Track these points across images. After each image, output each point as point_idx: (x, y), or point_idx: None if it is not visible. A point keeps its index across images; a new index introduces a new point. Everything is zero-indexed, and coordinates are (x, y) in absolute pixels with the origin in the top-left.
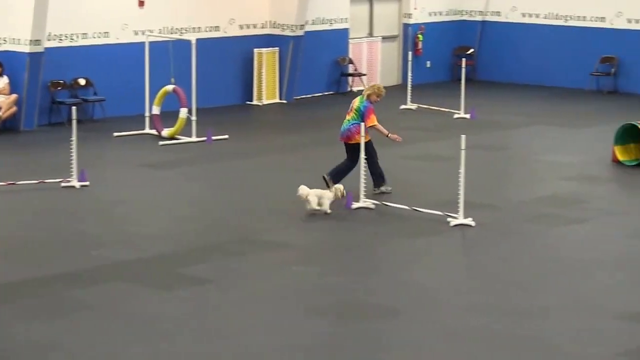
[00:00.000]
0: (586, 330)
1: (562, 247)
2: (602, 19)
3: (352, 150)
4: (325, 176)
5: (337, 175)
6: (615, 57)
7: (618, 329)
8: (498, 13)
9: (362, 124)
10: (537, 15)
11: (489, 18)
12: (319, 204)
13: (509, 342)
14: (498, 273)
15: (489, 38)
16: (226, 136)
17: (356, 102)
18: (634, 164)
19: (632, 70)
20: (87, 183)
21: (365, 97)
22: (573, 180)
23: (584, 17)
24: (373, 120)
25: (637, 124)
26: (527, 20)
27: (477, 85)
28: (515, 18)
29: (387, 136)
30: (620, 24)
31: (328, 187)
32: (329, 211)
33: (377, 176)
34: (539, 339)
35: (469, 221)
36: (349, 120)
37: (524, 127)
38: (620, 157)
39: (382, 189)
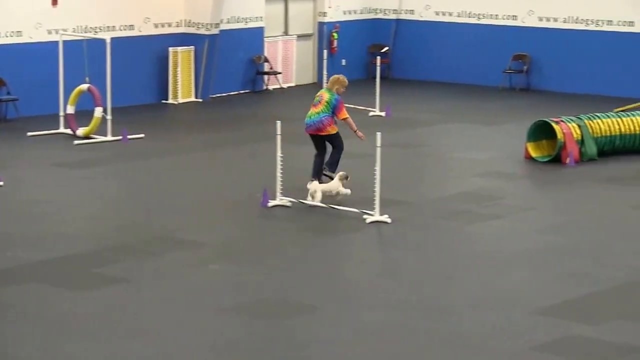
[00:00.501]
0: (501, 325)
1: (477, 243)
2: (514, 17)
3: (324, 141)
4: (325, 171)
5: (333, 165)
6: (527, 55)
7: (533, 323)
8: (412, 11)
9: (331, 116)
10: (451, 14)
11: (403, 16)
12: (336, 193)
13: (424, 338)
14: (414, 269)
15: (403, 36)
16: (142, 135)
17: (326, 96)
18: (546, 160)
19: (544, 67)
20: (1, 183)
21: (334, 90)
22: (487, 177)
23: (497, 15)
24: (345, 114)
25: (549, 121)
26: (440, 18)
27: (392, 83)
28: (429, 16)
29: (355, 131)
30: (532, 22)
31: (331, 179)
32: (348, 192)
33: (334, 162)
34: (454, 335)
35: (385, 218)
36: (318, 113)
37: (438, 125)
38: (533, 154)
39: (330, 174)
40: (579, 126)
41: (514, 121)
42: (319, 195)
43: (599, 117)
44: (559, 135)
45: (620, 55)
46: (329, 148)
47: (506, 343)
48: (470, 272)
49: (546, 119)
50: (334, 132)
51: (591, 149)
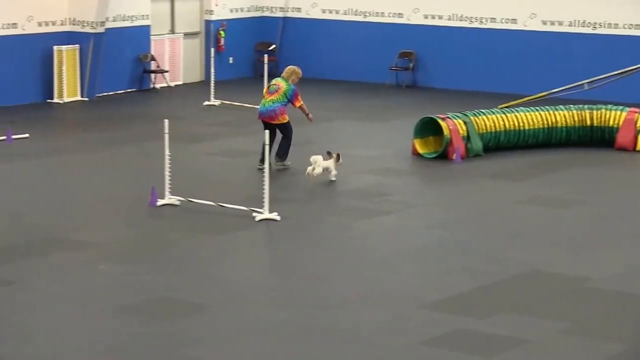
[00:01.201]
0: (391, 320)
1: (366, 240)
2: (400, 15)
3: (276, 129)
4: (277, 163)
5: (283, 155)
6: (413, 52)
7: (422, 319)
8: (299, 9)
9: (282, 105)
10: (337, 12)
11: (290, 14)
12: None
13: (314, 335)
14: (303, 266)
15: (290, 34)
16: (26, 135)
17: (283, 86)
18: (433, 156)
19: (430, 64)
20: None
21: (290, 81)
22: (375, 173)
23: (383, 13)
24: (300, 101)
25: (435, 117)
26: (327, 16)
27: None
28: (315, 14)
29: (307, 115)
30: (418, 19)
31: (285, 167)
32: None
33: (285, 152)
34: (344, 331)
35: (274, 216)
36: (273, 101)
37: (327, 122)
38: (420, 150)
39: (285, 163)
40: (465, 122)
41: (401, 118)
42: (319, 170)
43: (484, 114)
44: (446, 131)
45: (504, 52)
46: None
47: (396, 338)
48: (359, 268)
49: (432, 116)
50: (286, 120)
51: (477, 144)
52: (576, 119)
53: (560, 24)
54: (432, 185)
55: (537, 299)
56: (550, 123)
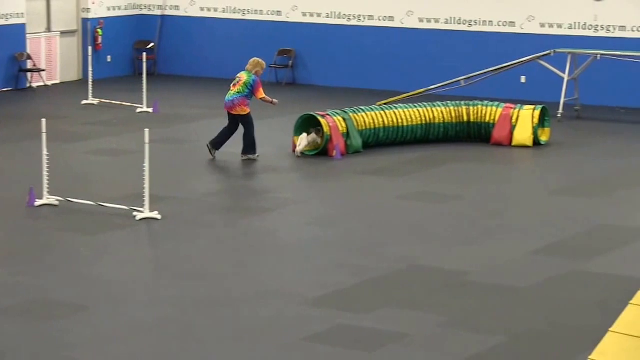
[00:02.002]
0: (273, 318)
1: (248, 237)
2: (279, 12)
3: (233, 119)
4: (208, 145)
5: (250, 147)
6: (293, 50)
7: (304, 315)
8: (177, 7)
9: (244, 96)
10: (216, 10)
11: (168, 12)
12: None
13: (197, 333)
14: (184, 265)
15: (168, 32)
16: None
17: (244, 77)
18: (313, 153)
19: (309, 62)
20: None
21: (253, 72)
22: (257, 171)
23: (261, 10)
24: (262, 93)
25: (315, 115)
26: (206, 14)
27: (159, 79)
28: (194, 12)
29: (272, 102)
30: (296, 17)
31: (211, 154)
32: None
33: (249, 145)
34: (226, 329)
35: (155, 214)
36: (234, 93)
37: (206, 120)
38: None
39: (250, 156)
40: (345, 119)
41: (281, 115)
42: (304, 144)
43: (363, 111)
44: (326, 128)
45: (382, 50)
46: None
47: (278, 335)
48: (241, 266)
49: (312, 113)
50: (244, 112)
51: (357, 141)
52: (453, 115)
53: (437, 21)
54: (313, 182)
55: (418, 294)
56: (428, 119)
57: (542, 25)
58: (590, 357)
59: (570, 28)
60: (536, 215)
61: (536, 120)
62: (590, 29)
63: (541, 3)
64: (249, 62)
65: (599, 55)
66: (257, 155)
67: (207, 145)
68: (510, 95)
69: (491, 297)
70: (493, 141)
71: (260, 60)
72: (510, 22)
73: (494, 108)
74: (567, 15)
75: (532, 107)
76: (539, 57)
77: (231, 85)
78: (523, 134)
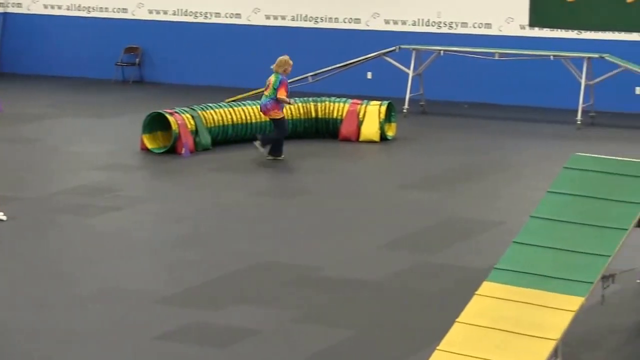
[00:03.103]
0: (124, 317)
1: (97, 236)
2: (124, 10)
3: (272, 124)
4: (258, 136)
5: (267, 141)
6: (139, 48)
7: (155, 314)
8: (19, 4)
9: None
10: (60, 7)
11: (10, 10)
12: None
13: (42, 336)
14: (32, 266)
15: (12, 30)
16: None
17: (272, 79)
18: (162, 151)
19: (156, 59)
20: None
21: (281, 72)
22: (104, 169)
23: (107, 8)
24: (282, 93)
25: (163, 112)
26: (49, 12)
27: (3, 77)
28: (37, 10)
29: (289, 103)
30: (142, 14)
31: (260, 149)
32: None
33: (276, 146)
34: (75, 330)
35: (1, 216)
36: (266, 96)
37: (52, 119)
38: (149, 145)
39: (275, 157)
40: (193, 117)
41: (129, 113)
42: None
43: (211, 108)
44: (174, 126)
45: (229, 47)
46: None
47: (129, 335)
48: (90, 265)
49: (160, 111)
50: (278, 117)
51: (205, 138)
52: (301, 111)
53: (284, 18)
54: (162, 180)
55: (270, 289)
56: None
57: (387, 22)
58: (438, 347)
59: (414, 24)
60: (384, 209)
61: (383, 116)
62: (433, 26)
63: (386, 0)
64: (275, 62)
65: (442, 51)
66: (282, 156)
67: (257, 139)
68: (356, 91)
69: (341, 291)
70: (341, 137)
71: (285, 58)
72: (356, 18)
73: (341, 104)
74: (411, 11)
75: (379, 102)
76: (384, 54)
77: (264, 89)
78: (370, 129)
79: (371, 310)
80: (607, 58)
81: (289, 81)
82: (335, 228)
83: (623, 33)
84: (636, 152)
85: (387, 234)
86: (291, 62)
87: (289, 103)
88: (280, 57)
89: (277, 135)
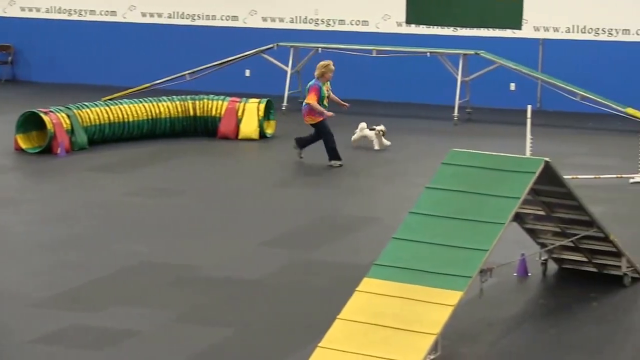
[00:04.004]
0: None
1: None
2: None
3: (313, 127)
4: (295, 140)
5: (330, 153)
6: (11, 46)
7: (31, 317)
8: None
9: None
10: None
11: None
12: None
13: None
14: None
15: None
16: None
17: (309, 84)
18: (37, 151)
19: (30, 58)
20: None
21: (316, 75)
22: None
23: None
24: (311, 99)
25: (37, 112)
26: None
27: None
28: None
29: (322, 114)
30: (14, 12)
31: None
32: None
33: (330, 152)
34: None
35: None
36: (303, 102)
37: None
38: (23, 145)
39: (333, 163)
40: (69, 116)
41: (1, 113)
42: (357, 135)
43: (88, 107)
44: (49, 125)
45: (105, 45)
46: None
47: (5, 338)
48: None
49: (35, 110)
50: (314, 121)
51: (81, 138)
52: (180, 109)
53: (160, 16)
54: (38, 181)
55: (149, 290)
56: (154, 114)
57: (265, 20)
58: (319, 345)
59: (292, 22)
60: (263, 207)
61: (261, 114)
62: (311, 23)
63: None
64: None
65: (320, 49)
66: (340, 163)
67: (295, 143)
68: (235, 88)
69: (221, 290)
70: (220, 135)
71: (324, 62)
72: (234, 16)
73: (220, 102)
74: (289, 9)
75: (257, 100)
76: (262, 51)
77: None
78: (249, 127)
79: (251, 309)
80: (482, 55)
81: (166, 79)
82: (214, 227)
83: (497, 30)
84: (512, 147)
85: (266, 232)
86: (332, 67)
87: (321, 112)
88: (321, 62)
89: (327, 142)
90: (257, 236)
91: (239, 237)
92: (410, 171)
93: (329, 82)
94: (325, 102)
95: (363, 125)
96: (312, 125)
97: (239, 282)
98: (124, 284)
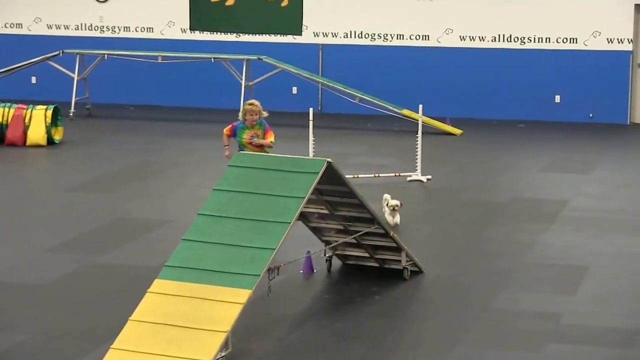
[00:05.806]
0: None
1: None
2: None
3: None
4: None
5: None
6: None
7: None
8: None
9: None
10: None
11: None
12: None
13: None
14: None
15: None
16: None
17: None
18: None
19: None
20: None
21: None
22: None
23: None
24: (225, 128)
25: None
26: None
27: None
28: None
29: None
30: None
31: None
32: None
33: None
34: None
35: None
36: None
37: None
38: None
39: None
40: None
41: None
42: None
43: None
44: None
45: None
46: None
47: None
48: None
49: None
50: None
51: None
52: None
53: (63, 28)
54: None
55: None
56: None
57: (50, 27)
58: (112, 346)
59: (77, 29)
60: (53, 213)
61: (49, 120)
62: (96, 30)
63: (47, 4)
64: None
65: (106, 55)
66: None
67: None
68: (21, 95)
69: (11, 297)
70: (7, 142)
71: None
72: (18, 23)
73: (6, 109)
74: (73, 16)
75: (45, 107)
76: (48, 58)
77: None
78: (37, 134)
79: (42, 314)
80: (264, 60)
81: None
82: (1, 234)
83: (279, 35)
84: (295, 149)
85: (54, 237)
86: (249, 107)
87: (224, 145)
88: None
89: None
90: (45, 242)
91: (29, 243)
92: (199, 174)
93: (261, 127)
94: (247, 148)
95: (387, 197)
96: None
97: (29, 288)
98: None
